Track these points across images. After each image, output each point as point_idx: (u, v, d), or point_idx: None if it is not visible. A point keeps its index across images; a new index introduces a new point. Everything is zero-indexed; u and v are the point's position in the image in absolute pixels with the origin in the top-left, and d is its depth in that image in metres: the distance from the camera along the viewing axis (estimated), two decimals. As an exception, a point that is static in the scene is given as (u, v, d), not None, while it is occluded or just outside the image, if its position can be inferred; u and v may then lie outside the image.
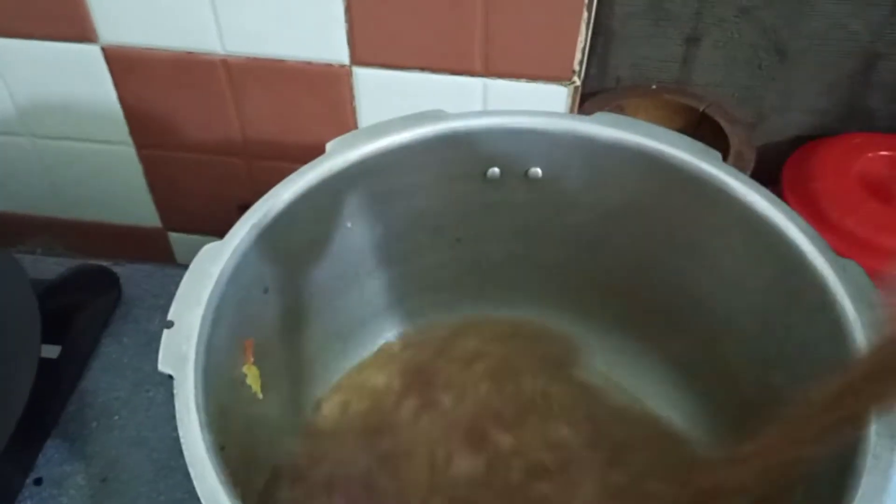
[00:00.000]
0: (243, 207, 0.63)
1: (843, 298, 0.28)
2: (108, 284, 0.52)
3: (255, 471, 0.31)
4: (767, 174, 0.40)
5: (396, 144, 0.35)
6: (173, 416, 0.46)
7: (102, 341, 0.50)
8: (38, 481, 0.43)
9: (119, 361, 0.49)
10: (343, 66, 0.51)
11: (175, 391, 0.25)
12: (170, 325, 0.27)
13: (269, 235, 0.31)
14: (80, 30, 0.51)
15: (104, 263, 0.53)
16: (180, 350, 0.26)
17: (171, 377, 0.25)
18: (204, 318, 0.27)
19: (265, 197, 0.31)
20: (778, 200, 0.31)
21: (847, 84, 0.49)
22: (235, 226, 0.30)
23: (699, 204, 0.33)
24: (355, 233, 0.36)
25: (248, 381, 0.32)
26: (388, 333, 0.41)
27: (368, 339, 0.41)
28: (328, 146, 0.34)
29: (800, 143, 0.51)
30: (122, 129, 0.57)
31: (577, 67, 0.40)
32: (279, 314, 0.34)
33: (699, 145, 0.33)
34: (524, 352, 0.40)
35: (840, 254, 0.29)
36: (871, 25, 0.45)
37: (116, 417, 0.46)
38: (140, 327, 0.51)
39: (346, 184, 0.34)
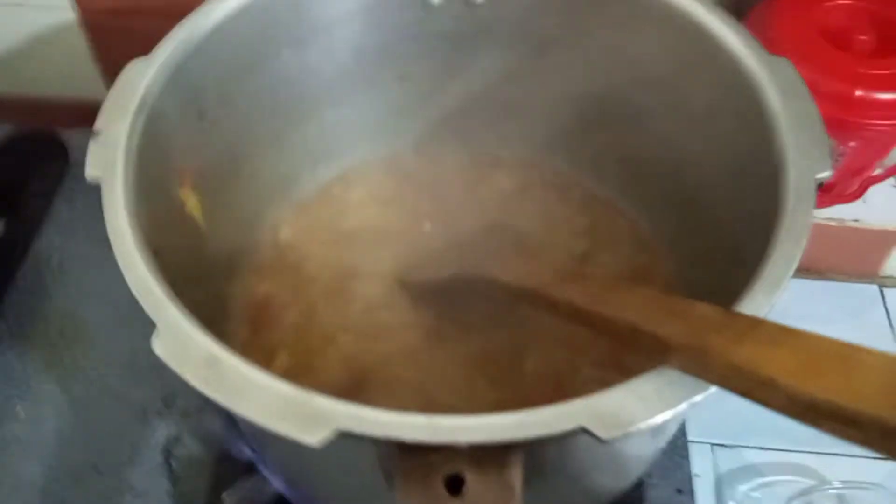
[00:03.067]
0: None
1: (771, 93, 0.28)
2: (55, 150, 0.51)
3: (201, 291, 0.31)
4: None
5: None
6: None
7: (55, 203, 0.49)
8: (-5, 337, 0.43)
9: (72, 222, 0.49)
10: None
11: (103, 193, 0.25)
12: (96, 133, 0.26)
13: (200, 55, 0.30)
14: None
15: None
16: (107, 156, 0.26)
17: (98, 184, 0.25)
18: (132, 127, 0.27)
19: (193, 13, 0.30)
20: (711, 5, 0.31)
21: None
22: (162, 41, 0.29)
23: (636, 16, 0.33)
24: (292, 65, 0.36)
25: (188, 208, 0.32)
26: (335, 173, 0.41)
27: (318, 178, 0.41)
28: (256, -33, 0.32)
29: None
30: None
31: None
32: (219, 144, 0.34)
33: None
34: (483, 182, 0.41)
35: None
36: None
37: (72, 274, 0.46)
38: (92, 188, 0.50)
39: (279, 7, 0.33)
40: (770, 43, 0.42)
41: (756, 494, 0.39)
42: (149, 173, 0.27)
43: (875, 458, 0.39)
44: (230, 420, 0.39)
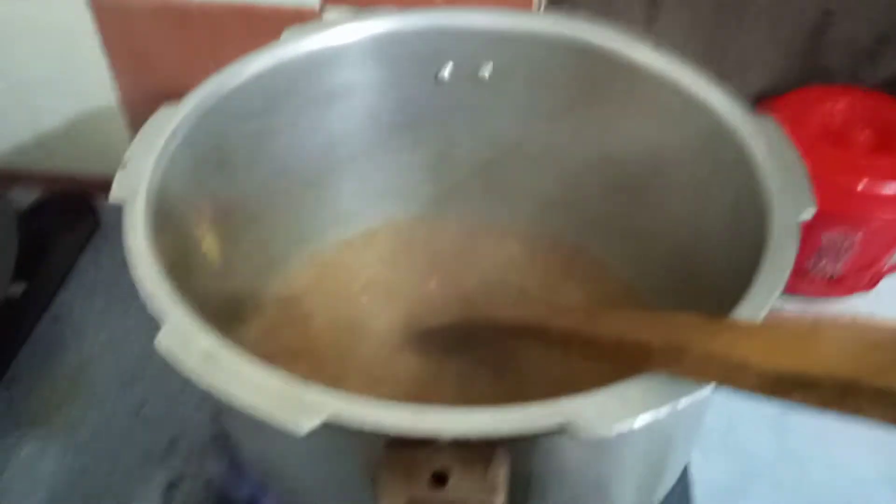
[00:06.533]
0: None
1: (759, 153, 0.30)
2: (85, 211, 0.54)
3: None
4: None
5: (350, 39, 0.37)
6: (147, 325, 0.48)
7: (80, 264, 0.52)
8: (11, 381, 0.44)
9: (95, 281, 0.51)
10: (313, 8, 0.53)
11: (124, 212, 0.27)
12: (124, 164, 0.29)
13: (224, 108, 0.33)
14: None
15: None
16: (131, 182, 0.28)
17: (121, 203, 0.27)
18: (157, 163, 0.29)
19: (222, 70, 0.33)
20: (701, 73, 0.33)
21: (804, 42, 0.50)
22: (192, 91, 0.32)
23: (628, 88, 0.35)
24: (310, 128, 0.38)
25: (204, 247, 0.34)
26: (349, 233, 0.43)
27: (330, 236, 0.43)
28: (284, 34, 0.36)
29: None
30: (105, 78, 0.59)
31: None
32: (237, 195, 0.36)
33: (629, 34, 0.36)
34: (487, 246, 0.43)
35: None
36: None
37: (90, 329, 0.48)
38: (117, 250, 0.52)
39: (300, 72, 0.36)
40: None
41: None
42: (169, 206, 0.29)
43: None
44: (232, 461, 0.39)
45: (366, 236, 0.44)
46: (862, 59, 0.53)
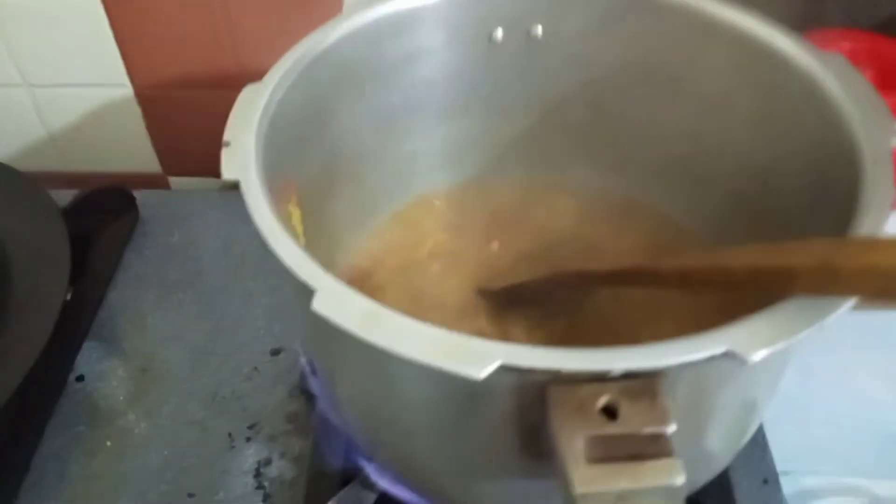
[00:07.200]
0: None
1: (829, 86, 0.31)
2: (125, 205, 0.53)
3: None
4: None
5: (407, 6, 0.37)
6: (207, 312, 0.48)
7: (125, 256, 0.51)
8: (80, 378, 0.44)
9: (143, 273, 0.51)
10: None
11: (244, 192, 0.27)
12: (227, 144, 0.29)
13: (301, 84, 0.33)
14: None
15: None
16: (241, 161, 0.28)
17: (236, 184, 0.27)
18: (256, 139, 0.29)
19: (298, 46, 0.34)
20: (763, 17, 0.34)
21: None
22: (271, 70, 0.32)
23: (692, 36, 0.36)
24: (372, 99, 0.39)
25: (293, 222, 0.34)
26: (406, 202, 0.44)
27: (389, 207, 0.43)
28: (345, 5, 0.36)
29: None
30: (119, 69, 0.59)
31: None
32: (315, 168, 0.36)
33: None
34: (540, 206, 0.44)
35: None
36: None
37: (148, 319, 0.48)
38: (159, 241, 0.52)
39: (364, 44, 0.36)
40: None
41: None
42: (270, 183, 0.29)
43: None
44: (321, 435, 0.40)
45: (423, 205, 0.45)
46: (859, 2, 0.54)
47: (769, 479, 0.38)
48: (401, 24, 0.37)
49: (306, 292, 0.24)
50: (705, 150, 0.39)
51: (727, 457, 0.33)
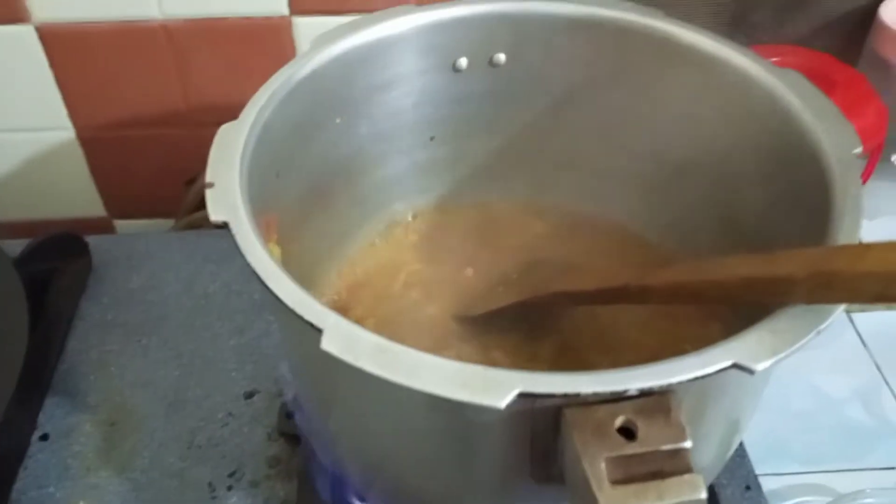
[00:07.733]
0: (191, 182, 0.63)
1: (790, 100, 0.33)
2: (78, 251, 0.51)
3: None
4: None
5: (374, 38, 0.37)
6: (173, 357, 0.47)
7: (81, 305, 0.49)
8: (44, 437, 0.42)
9: (103, 320, 0.49)
10: (283, 16, 0.53)
11: (234, 234, 0.26)
12: (210, 185, 0.28)
13: (275, 120, 0.33)
14: (11, 10, 0.51)
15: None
16: (228, 201, 0.28)
17: (225, 225, 0.27)
18: (241, 176, 0.29)
19: (272, 80, 0.33)
20: (720, 37, 0.36)
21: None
22: (247, 106, 0.32)
23: (653, 57, 0.38)
24: (342, 130, 0.39)
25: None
26: (376, 231, 0.44)
27: (360, 237, 0.43)
28: (312, 41, 0.36)
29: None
30: (60, 112, 0.57)
31: None
32: (289, 202, 0.36)
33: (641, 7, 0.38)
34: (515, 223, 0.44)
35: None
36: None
37: (113, 368, 0.46)
38: (117, 286, 0.51)
39: (334, 76, 0.36)
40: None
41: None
42: (256, 220, 0.29)
43: (873, 468, 0.43)
44: (304, 480, 0.39)
45: (395, 234, 0.45)
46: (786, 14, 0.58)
47: (751, 485, 0.39)
48: (370, 54, 0.37)
49: (311, 332, 0.23)
50: (673, 166, 0.40)
51: (719, 467, 0.33)
